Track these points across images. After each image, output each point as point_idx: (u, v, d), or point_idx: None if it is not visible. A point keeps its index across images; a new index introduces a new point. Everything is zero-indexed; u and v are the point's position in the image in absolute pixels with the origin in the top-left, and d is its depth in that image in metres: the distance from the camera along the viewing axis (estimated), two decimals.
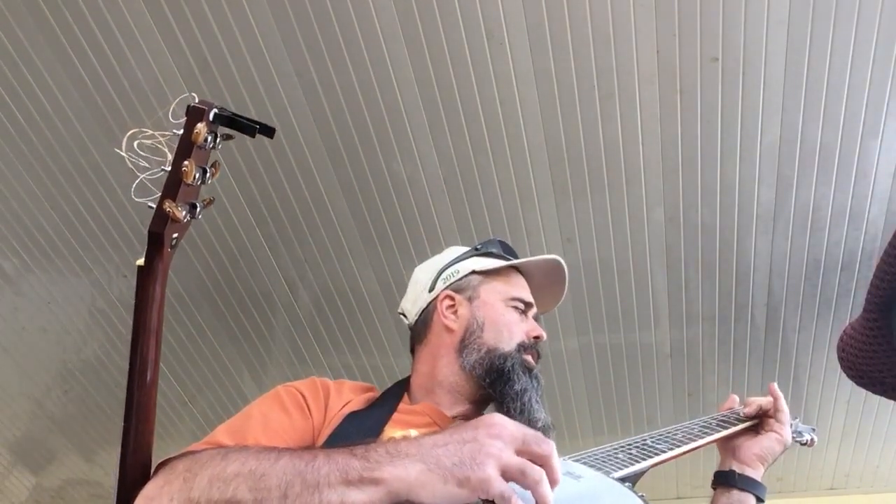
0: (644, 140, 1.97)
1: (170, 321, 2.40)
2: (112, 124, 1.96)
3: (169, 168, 0.81)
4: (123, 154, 0.81)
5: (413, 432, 1.00)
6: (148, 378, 0.83)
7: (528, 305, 1.22)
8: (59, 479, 2.94)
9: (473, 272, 1.24)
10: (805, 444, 1.31)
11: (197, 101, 0.82)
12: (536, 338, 1.17)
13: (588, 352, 2.45)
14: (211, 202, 0.87)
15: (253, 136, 0.82)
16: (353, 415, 1.06)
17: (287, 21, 1.78)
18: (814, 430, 1.34)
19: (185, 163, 0.80)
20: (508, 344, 1.14)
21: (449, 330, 1.18)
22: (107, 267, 2.27)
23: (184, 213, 0.81)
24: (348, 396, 1.11)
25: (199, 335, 2.44)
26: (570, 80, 1.87)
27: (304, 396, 1.06)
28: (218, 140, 0.83)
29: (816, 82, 1.85)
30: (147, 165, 0.81)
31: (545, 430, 1.10)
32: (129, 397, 0.83)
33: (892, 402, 1.61)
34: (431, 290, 1.23)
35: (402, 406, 1.12)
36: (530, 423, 1.09)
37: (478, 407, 1.14)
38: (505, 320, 1.18)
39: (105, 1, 1.74)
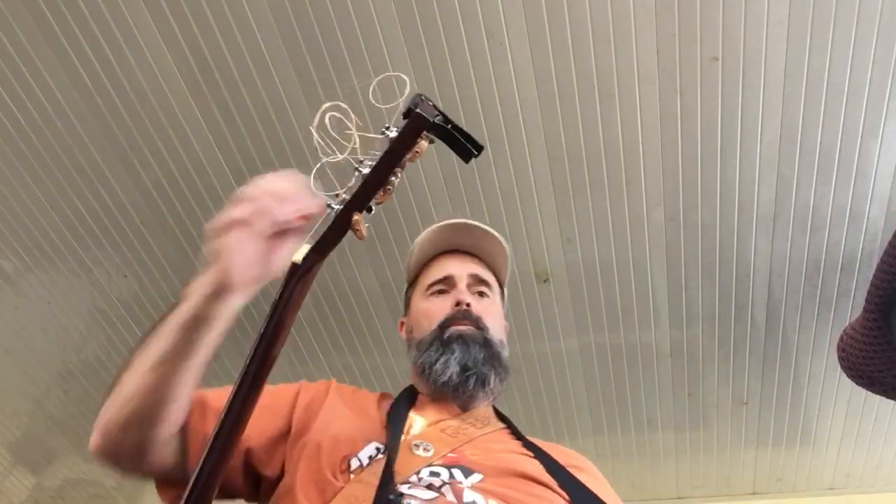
0: (644, 140, 1.97)
1: None
2: (112, 124, 1.96)
3: (364, 170, 0.69)
4: (314, 131, 0.71)
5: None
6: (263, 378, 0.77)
7: (446, 280, 1.23)
8: (59, 479, 2.94)
9: (406, 290, 1.31)
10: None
11: (420, 100, 0.69)
12: (457, 304, 1.18)
13: (588, 352, 2.45)
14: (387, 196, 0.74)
15: (466, 162, 0.73)
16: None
17: (287, 21, 1.78)
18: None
19: (395, 178, 0.70)
20: (429, 329, 1.17)
21: (407, 349, 1.24)
22: (107, 267, 2.27)
23: (367, 226, 0.73)
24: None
25: None
26: (570, 80, 1.87)
27: (298, 394, 1.10)
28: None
29: (816, 82, 1.85)
30: (331, 149, 0.70)
31: (454, 387, 1.10)
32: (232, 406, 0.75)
33: (892, 401, 1.61)
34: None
35: (418, 402, 1.15)
36: (436, 386, 1.11)
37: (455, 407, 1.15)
38: (423, 310, 1.21)
39: (105, 1, 1.75)
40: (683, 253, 2.20)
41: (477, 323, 1.17)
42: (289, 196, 0.79)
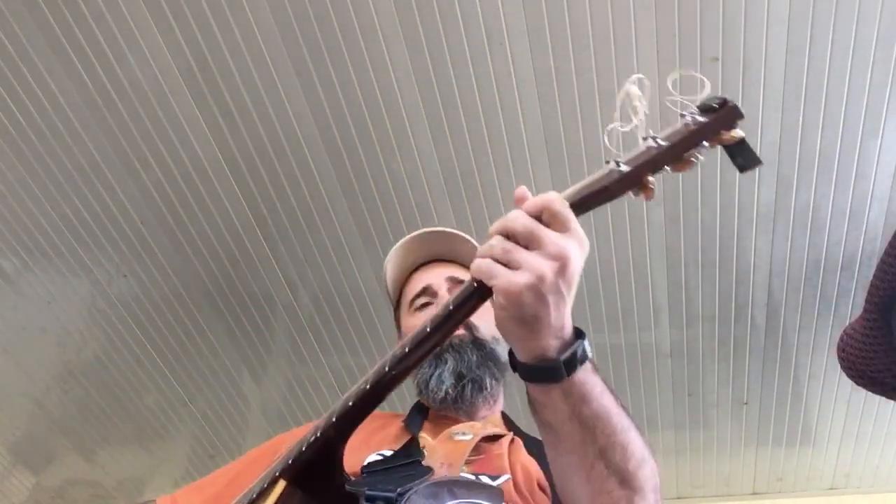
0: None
1: (169, 321, 2.40)
2: (112, 124, 1.96)
3: (664, 143, 0.76)
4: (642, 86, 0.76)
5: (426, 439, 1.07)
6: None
7: (425, 291, 1.24)
8: (59, 479, 2.94)
9: (395, 312, 1.33)
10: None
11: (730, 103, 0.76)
12: None
13: None
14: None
15: (742, 172, 0.79)
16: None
17: (287, 21, 1.78)
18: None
19: (695, 154, 0.77)
20: None
21: None
22: (107, 267, 2.27)
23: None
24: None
25: (199, 335, 2.44)
26: (570, 80, 1.87)
27: None
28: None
29: (816, 82, 1.85)
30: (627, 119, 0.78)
31: (453, 399, 1.12)
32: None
33: (892, 402, 1.61)
34: None
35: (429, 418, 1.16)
36: (437, 404, 1.13)
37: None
38: (411, 328, 1.17)
39: (105, 1, 1.75)
40: (683, 253, 2.20)
41: (465, 325, 1.15)
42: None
